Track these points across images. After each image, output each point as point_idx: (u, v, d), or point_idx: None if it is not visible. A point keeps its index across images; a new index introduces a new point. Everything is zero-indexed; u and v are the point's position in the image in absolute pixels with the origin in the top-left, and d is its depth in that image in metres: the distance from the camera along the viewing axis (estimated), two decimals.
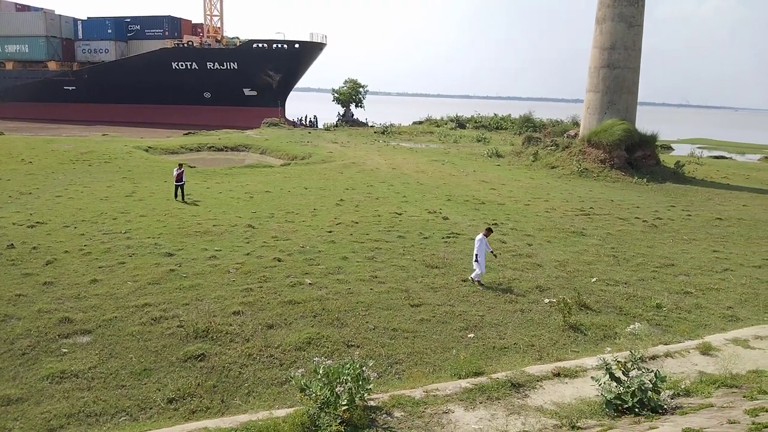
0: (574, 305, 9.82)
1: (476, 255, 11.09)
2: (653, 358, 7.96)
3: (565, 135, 34.01)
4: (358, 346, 8.33)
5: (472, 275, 11.25)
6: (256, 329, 8.82)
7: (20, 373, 7.35)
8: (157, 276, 11.13)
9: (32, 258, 12.07)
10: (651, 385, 6.37)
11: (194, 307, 9.58)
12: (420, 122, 59.58)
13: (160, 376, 7.37)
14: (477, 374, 7.41)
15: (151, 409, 6.65)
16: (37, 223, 15.08)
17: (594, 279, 11.80)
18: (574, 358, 8.10)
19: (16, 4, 76.56)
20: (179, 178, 19.28)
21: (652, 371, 6.57)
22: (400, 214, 17.62)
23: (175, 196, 19.25)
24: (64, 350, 7.99)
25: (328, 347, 8.28)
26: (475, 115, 60.73)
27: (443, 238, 14.86)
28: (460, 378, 7.33)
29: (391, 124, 54.66)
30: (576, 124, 36.65)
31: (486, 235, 11.38)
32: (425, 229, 15.81)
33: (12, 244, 12.83)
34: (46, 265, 11.65)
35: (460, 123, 57.11)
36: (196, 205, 18.08)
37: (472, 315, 9.70)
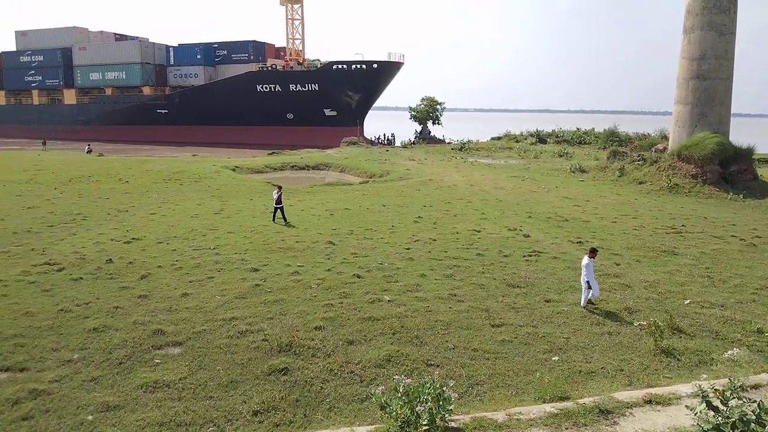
0: (666, 328, 9.29)
1: (587, 282, 10.54)
2: (755, 387, 7.39)
3: (653, 149, 32.52)
4: (438, 366, 8.27)
5: (587, 299, 10.70)
6: (337, 345, 8.95)
7: (117, 381, 7.79)
8: (244, 290, 11.55)
9: (128, 272, 12.85)
10: (754, 417, 5.91)
11: (278, 322, 9.86)
12: (498, 138, 58.79)
13: (246, 389, 7.61)
14: (562, 399, 7.15)
15: (237, 420, 6.87)
16: (133, 239, 16.06)
17: (687, 301, 11.14)
18: (666, 385, 7.65)
19: (116, 34, 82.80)
20: (278, 200, 18.97)
21: (755, 401, 6.11)
22: (479, 232, 17.42)
23: (273, 218, 18.98)
24: (157, 361, 8.41)
25: (407, 365, 8.27)
26: (556, 130, 59.28)
27: (524, 256, 14.54)
28: (544, 402, 7.10)
29: (469, 140, 54.27)
30: (664, 137, 34.93)
31: (592, 257, 10.79)
32: (505, 246, 15.54)
33: (110, 259, 13.71)
34: (141, 279, 12.37)
35: (540, 138, 55.88)
36: (292, 226, 18.19)
37: (557, 337, 9.40)
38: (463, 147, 50.64)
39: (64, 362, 8.28)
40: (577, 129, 59.38)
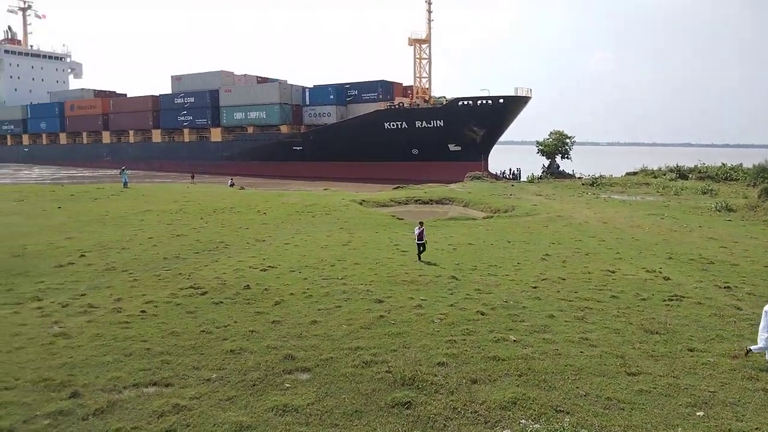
0: None
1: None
2: None
3: None
4: (568, 413, 7.81)
5: (757, 347, 9.55)
6: (460, 382, 8.78)
7: (251, 402, 8.18)
8: (369, 321, 11.75)
9: (264, 298, 13.59)
10: None
11: (401, 354, 9.89)
12: (634, 173, 55.54)
13: (370, 419, 7.66)
14: None
15: None
16: (269, 267, 17.01)
17: None
18: None
19: (258, 77, 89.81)
20: (420, 236, 18.17)
21: None
22: (614, 272, 16.44)
23: (418, 256, 18.21)
24: (287, 385, 8.74)
25: (534, 410, 7.89)
26: (698, 165, 54.98)
27: (664, 300, 13.47)
28: None
29: (601, 176, 51.86)
30: None
31: None
32: (642, 289, 14.51)
33: (248, 285, 14.60)
34: (275, 305, 13.02)
35: (681, 173, 52.01)
36: (424, 262, 17.79)
37: (701, 390, 8.53)
38: (595, 182, 48.43)
39: (204, 381, 8.86)
40: (723, 164, 54.65)
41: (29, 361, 9.51)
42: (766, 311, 9.39)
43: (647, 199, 38.96)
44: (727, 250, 19.93)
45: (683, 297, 13.72)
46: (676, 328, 11.37)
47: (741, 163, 53.54)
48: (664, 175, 52.24)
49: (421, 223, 18.86)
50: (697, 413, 7.83)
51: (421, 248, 18.32)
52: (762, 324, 9.41)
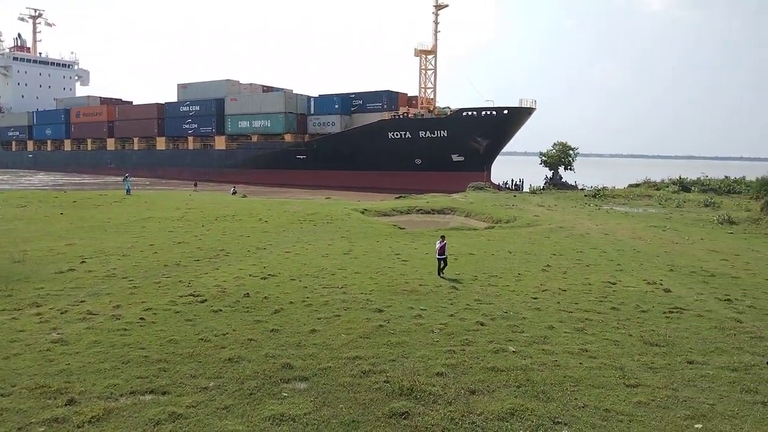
0: None
1: None
2: None
3: None
4: (566, 424, 7.76)
5: None
6: (458, 393, 8.73)
7: (247, 411, 8.14)
8: (368, 330, 11.72)
9: (263, 306, 13.57)
10: None
11: (400, 364, 9.85)
12: (636, 185, 55.52)
13: (367, 429, 7.61)
14: None
15: None
16: (269, 275, 17.00)
17: None
18: None
19: (263, 86, 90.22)
20: (441, 251, 17.02)
21: None
22: (614, 284, 16.39)
23: (440, 272, 17.13)
24: (285, 394, 8.70)
25: (532, 421, 7.85)
26: (701, 177, 54.91)
27: (665, 312, 13.41)
28: None
29: (604, 187, 51.85)
30: None
31: None
32: (643, 301, 14.45)
33: (248, 294, 14.59)
34: (274, 313, 13.00)
35: (684, 186, 51.95)
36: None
37: (700, 402, 8.47)
38: (598, 194, 48.42)
39: (201, 389, 8.82)
40: (726, 177, 54.59)
41: (26, 367, 9.49)
42: None
43: (649, 211, 38.91)
44: (728, 263, 19.86)
45: (684, 309, 13.66)
46: (676, 340, 11.31)
47: (744, 176, 53.48)
48: (667, 187, 52.19)
49: (443, 237, 17.43)
50: (696, 426, 7.77)
51: (442, 264, 17.20)
52: None
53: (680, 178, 54.27)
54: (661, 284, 16.34)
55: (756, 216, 30.44)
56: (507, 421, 7.83)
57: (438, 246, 17.15)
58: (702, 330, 12.04)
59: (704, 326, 12.30)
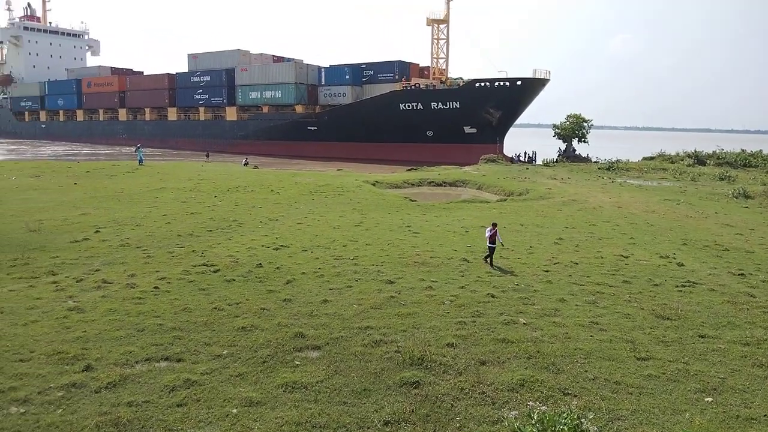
0: None
1: None
2: None
3: None
4: (576, 396, 7.81)
5: None
6: (468, 364, 8.81)
7: (260, 378, 8.28)
8: (379, 301, 11.80)
9: (276, 277, 13.67)
10: None
11: (411, 335, 9.93)
12: (651, 158, 54.87)
13: (378, 398, 7.72)
14: None
15: (368, 429, 6.98)
16: (281, 246, 17.09)
17: None
18: None
19: (274, 56, 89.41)
20: (492, 239, 15.18)
21: None
22: (627, 257, 16.32)
23: (490, 260, 15.27)
24: (297, 363, 8.83)
25: (542, 392, 7.91)
26: (717, 151, 54.14)
27: (677, 286, 13.36)
28: None
29: (618, 160, 51.30)
30: None
31: None
32: (655, 275, 14.40)
33: (260, 264, 14.70)
34: (287, 283, 13.10)
35: (699, 159, 51.28)
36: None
37: (711, 376, 8.49)
38: (611, 167, 47.92)
39: (215, 357, 8.97)
40: (742, 150, 53.77)
41: (44, 334, 9.68)
42: None
43: (663, 184, 38.51)
44: (742, 237, 19.69)
45: (696, 283, 13.60)
46: (688, 314, 11.29)
47: (761, 150, 52.67)
48: (682, 160, 51.57)
49: (494, 225, 15.49)
50: (706, 399, 7.80)
51: (491, 251, 15.41)
52: None
53: (695, 151, 53.57)
54: (674, 258, 16.26)
55: None
56: (517, 392, 7.90)
57: (488, 234, 15.31)
58: (714, 304, 12.00)
59: (717, 300, 12.26)
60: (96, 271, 13.84)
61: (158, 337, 9.65)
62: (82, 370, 8.29)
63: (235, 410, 7.33)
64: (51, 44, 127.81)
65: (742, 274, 14.48)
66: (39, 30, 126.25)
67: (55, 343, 9.29)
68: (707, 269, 15.08)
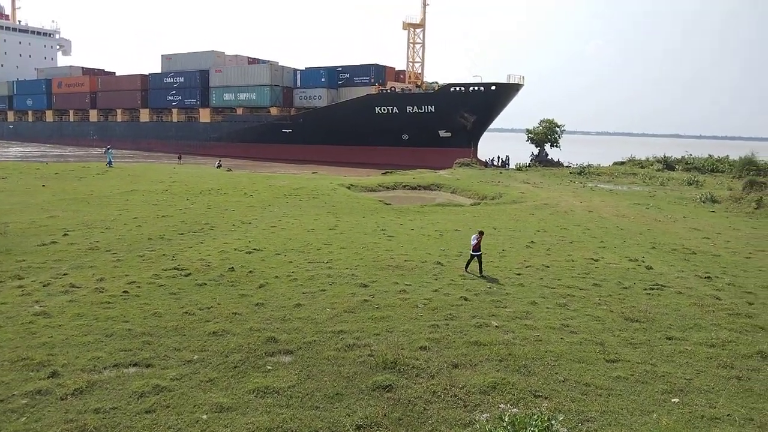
0: None
1: None
2: None
3: None
4: (546, 398, 7.91)
5: None
6: (441, 367, 8.85)
7: (231, 384, 8.19)
8: (353, 305, 11.78)
9: (248, 281, 13.56)
10: None
11: (384, 338, 9.94)
12: (621, 162, 55.89)
13: (350, 402, 7.71)
14: None
15: None
16: (254, 249, 16.95)
17: None
18: None
19: (249, 58, 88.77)
20: (476, 247, 14.67)
21: None
22: (597, 261, 16.58)
23: (479, 268, 14.73)
24: (269, 367, 8.76)
25: (513, 394, 7.98)
26: (685, 156, 55.37)
27: (646, 289, 13.62)
28: None
29: (589, 165, 52.12)
30: None
31: None
32: (625, 278, 14.65)
33: (233, 268, 14.55)
34: (259, 287, 13.00)
35: (668, 164, 52.37)
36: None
37: (677, 377, 8.67)
38: (583, 171, 48.70)
39: (185, 362, 8.85)
40: (710, 156, 55.10)
41: (8, 340, 9.44)
42: None
43: (634, 188, 39.24)
44: (709, 241, 20.15)
45: (664, 286, 13.88)
46: (656, 316, 11.51)
47: (728, 155, 54.00)
48: (652, 165, 52.61)
49: (481, 233, 15.09)
50: (673, 400, 7.96)
51: (477, 260, 14.82)
52: None
53: (665, 156, 54.70)
54: (643, 261, 16.57)
55: (738, 195, 30.79)
56: (489, 395, 7.96)
57: (474, 241, 14.77)
58: (682, 307, 12.25)
59: (684, 303, 12.52)
60: (64, 275, 13.56)
61: (127, 343, 9.49)
62: (48, 377, 8.11)
63: (205, 416, 7.24)
64: (20, 43, 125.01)
65: (709, 277, 14.82)
66: (7, 28, 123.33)
67: (20, 349, 9.06)
68: (675, 272, 15.40)
